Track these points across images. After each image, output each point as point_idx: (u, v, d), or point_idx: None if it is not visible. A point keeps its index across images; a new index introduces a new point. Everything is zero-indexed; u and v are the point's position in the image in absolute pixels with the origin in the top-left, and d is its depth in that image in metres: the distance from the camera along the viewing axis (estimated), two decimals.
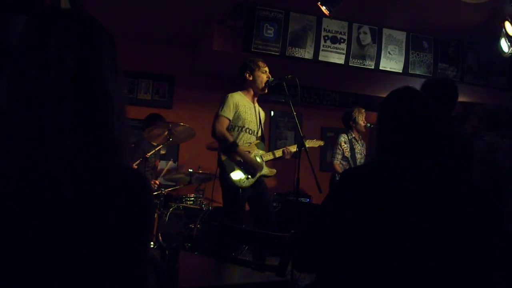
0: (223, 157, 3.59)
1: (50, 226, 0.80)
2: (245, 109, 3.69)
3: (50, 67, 0.86)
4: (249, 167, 3.63)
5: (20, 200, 0.80)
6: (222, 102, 3.64)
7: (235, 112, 3.64)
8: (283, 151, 3.84)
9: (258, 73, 3.72)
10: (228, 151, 3.59)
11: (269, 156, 3.82)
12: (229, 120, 3.62)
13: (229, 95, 3.67)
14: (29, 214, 0.80)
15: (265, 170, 3.78)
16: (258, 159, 3.73)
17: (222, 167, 3.61)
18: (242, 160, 3.60)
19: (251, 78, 3.72)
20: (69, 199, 0.80)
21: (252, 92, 3.77)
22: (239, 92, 3.76)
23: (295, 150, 3.85)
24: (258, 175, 3.69)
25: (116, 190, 0.84)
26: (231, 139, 3.58)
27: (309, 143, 4.09)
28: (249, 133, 3.70)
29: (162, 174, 5.09)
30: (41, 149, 0.82)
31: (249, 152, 3.67)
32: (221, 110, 3.61)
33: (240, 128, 3.66)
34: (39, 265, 0.80)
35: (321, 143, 4.34)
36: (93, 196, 0.82)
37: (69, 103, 0.85)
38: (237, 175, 3.61)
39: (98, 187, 0.83)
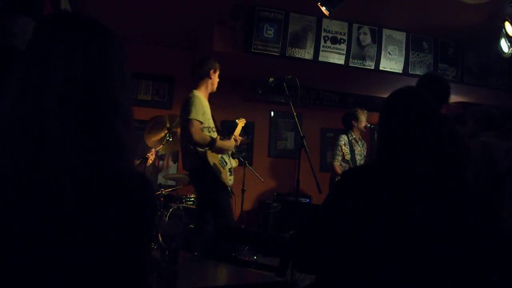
0: (211, 162, 3.60)
1: (51, 226, 0.80)
2: (207, 109, 3.73)
3: (56, 70, 0.86)
4: (228, 150, 3.81)
5: (22, 200, 0.81)
6: (189, 104, 3.58)
7: (203, 114, 3.64)
8: (234, 139, 3.89)
9: (217, 74, 3.79)
10: (211, 149, 3.64)
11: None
12: (201, 122, 3.61)
13: (195, 96, 3.63)
14: (31, 214, 0.80)
15: (234, 163, 3.87)
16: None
17: (212, 172, 3.61)
18: (224, 149, 3.73)
19: (213, 77, 3.76)
20: (70, 199, 0.81)
21: (209, 90, 3.79)
22: (199, 92, 3.73)
23: (241, 125, 4.01)
24: (234, 166, 3.83)
25: (118, 191, 0.85)
26: (208, 137, 3.63)
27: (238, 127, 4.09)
28: (213, 131, 3.75)
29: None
30: (44, 150, 0.83)
31: None
32: (192, 114, 3.55)
33: (207, 129, 3.69)
34: (39, 263, 0.80)
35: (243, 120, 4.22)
36: (95, 197, 0.83)
37: (74, 105, 0.86)
38: (225, 175, 3.68)
39: (99, 188, 0.83)
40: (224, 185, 3.65)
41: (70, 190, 0.80)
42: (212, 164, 3.60)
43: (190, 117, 3.53)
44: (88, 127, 0.86)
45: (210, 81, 3.75)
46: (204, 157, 3.59)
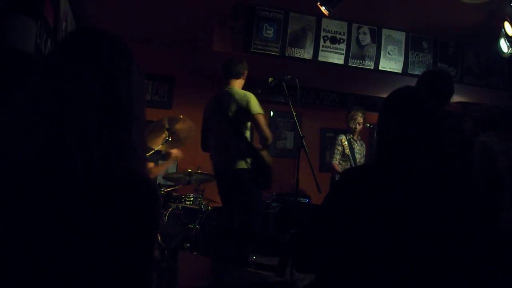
0: (267, 161, 3.53)
1: (61, 221, 0.83)
2: None
3: (77, 81, 0.92)
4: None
5: (30, 192, 0.84)
6: (253, 99, 3.49)
7: None
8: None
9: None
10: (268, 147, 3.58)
11: None
12: None
13: (250, 93, 3.57)
14: (44, 207, 0.83)
15: None
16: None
17: (267, 173, 3.52)
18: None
19: (244, 79, 3.73)
20: (82, 196, 0.85)
21: None
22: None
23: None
24: None
25: (123, 191, 0.89)
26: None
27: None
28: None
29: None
30: (66, 141, 0.87)
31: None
32: (260, 108, 3.47)
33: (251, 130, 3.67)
34: (46, 255, 0.82)
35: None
36: (100, 194, 0.86)
37: (96, 108, 0.91)
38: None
39: (106, 186, 0.87)
40: (269, 186, 3.60)
41: (82, 180, 0.85)
42: (269, 165, 3.53)
43: (261, 111, 3.48)
44: (105, 128, 0.91)
45: (242, 82, 3.71)
46: (261, 156, 3.51)
